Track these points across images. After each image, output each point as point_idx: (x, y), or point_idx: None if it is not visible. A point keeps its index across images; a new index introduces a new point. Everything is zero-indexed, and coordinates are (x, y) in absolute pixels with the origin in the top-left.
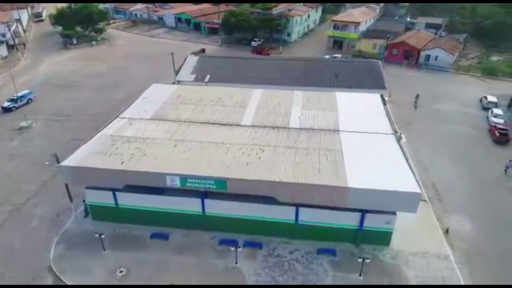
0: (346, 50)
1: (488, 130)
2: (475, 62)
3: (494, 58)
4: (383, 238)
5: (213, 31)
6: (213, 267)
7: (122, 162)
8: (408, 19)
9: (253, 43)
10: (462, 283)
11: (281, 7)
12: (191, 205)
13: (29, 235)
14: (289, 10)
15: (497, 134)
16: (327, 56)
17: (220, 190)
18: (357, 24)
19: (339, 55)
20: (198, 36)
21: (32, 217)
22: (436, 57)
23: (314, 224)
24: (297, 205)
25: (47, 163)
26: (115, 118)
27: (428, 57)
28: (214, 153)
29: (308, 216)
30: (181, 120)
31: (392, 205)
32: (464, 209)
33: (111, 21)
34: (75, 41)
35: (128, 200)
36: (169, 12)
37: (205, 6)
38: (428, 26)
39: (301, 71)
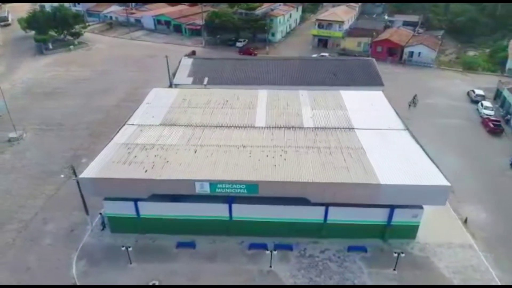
0: (331, 49)
1: (480, 122)
2: (454, 58)
3: (471, 53)
4: (410, 231)
5: (195, 33)
6: (248, 273)
7: (146, 171)
8: (386, 17)
9: (238, 44)
10: (491, 271)
11: (263, 7)
12: (217, 211)
13: (44, 253)
14: (272, 10)
15: (491, 125)
16: (314, 55)
17: (250, 194)
18: (341, 22)
19: (327, 54)
20: (180, 38)
21: (43, 234)
22: (419, 53)
23: (343, 223)
24: (327, 205)
25: (62, 176)
26: (123, 125)
27: (411, 53)
28: (238, 157)
29: (337, 215)
30: (193, 125)
31: (422, 199)
32: (477, 199)
33: (86, 24)
34: (50, 46)
35: (151, 210)
36: (147, 14)
37: (183, 7)
38: (405, 24)
39: (298, 71)
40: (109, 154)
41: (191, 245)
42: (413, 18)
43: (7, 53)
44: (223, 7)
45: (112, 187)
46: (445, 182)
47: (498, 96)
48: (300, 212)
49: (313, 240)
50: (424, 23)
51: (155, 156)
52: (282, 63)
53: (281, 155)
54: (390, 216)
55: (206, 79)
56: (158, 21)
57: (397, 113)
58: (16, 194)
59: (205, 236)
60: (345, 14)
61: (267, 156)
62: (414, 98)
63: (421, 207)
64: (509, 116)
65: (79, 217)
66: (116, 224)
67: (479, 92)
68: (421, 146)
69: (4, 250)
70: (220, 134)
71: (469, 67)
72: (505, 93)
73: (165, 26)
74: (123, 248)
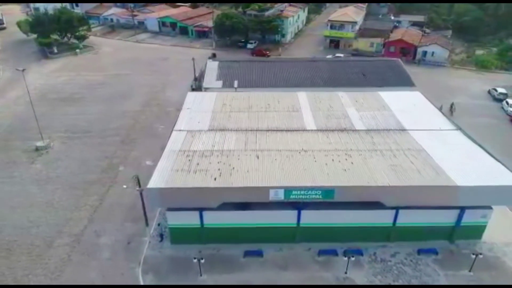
0: (343, 49)
1: (509, 120)
2: (465, 57)
3: (479, 52)
4: (477, 232)
5: (202, 35)
6: (324, 280)
7: (215, 179)
8: (392, 17)
9: (249, 45)
10: None
11: (272, 8)
12: (285, 218)
13: (105, 268)
14: (281, 11)
15: None
16: (329, 56)
17: (326, 199)
18: (354, 23)
19: (342, 55)
20: (187, 40)
21: (99, 247)
22: (433, 53)
23: (412, 225)
24: (397, 208)
25: (124, 186)
26: (172, 132)
27: (425, 53)
28: (303, 162)
29: (406, 218)
30: (243, 129)
31: (495, 199)
32: None
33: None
34: (55, 50)
35: (216, 219)
36: (151, 16)
37: (186, 9)
38: (412, 24)
39: (326, 72)
40: (169, 162)
41: (259, 253)
42: (419, 18)
43: (9, 57)
44: (225, 8)
45: (180, 197)
46: None
47: None
48: (370, 216)
49: (381, 244)
50: (429, 23)
51: (219, 163)
52: (308, 64)
53: (346, 159)
54: (460, 217)
55: (236, 82)
56: (163, 23)
57: (442, 113)
58: (59, 206)
59: (270, 244)
60: (356, 15)
61: (333, 160)
62: (451, 106)
63: (490, 207)
64: None
65: (132, 229)
66: (178, 235)
67: (501, 90)
68: (480, 145)
69: (61, 267)
70: (274, 138)
71: (482, 65)
72: None
73: (170, 28)
74: (195, 260)
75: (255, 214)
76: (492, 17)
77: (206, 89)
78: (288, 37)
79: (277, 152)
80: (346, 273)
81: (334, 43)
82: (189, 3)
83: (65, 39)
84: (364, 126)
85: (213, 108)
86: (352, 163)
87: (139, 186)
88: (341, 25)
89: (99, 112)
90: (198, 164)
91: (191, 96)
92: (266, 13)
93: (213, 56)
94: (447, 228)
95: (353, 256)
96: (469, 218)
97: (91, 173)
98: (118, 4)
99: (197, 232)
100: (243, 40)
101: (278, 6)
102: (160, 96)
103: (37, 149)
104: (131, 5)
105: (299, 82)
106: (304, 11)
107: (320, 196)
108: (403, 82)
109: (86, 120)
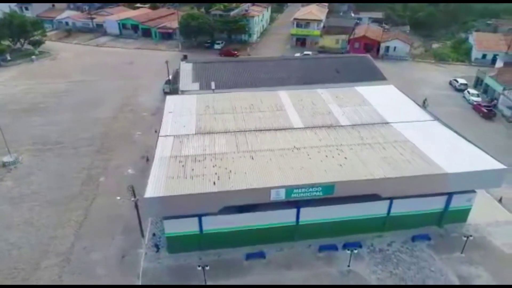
0: (310, 47)
1: (472, 108)
2: (424, 51)
3: (435, 45)
4: (463, 215)
5: (166, 36)
6: (329, 275)
7: (214, 183)
8: (352, 14)
9: (216, 46)
10: None
11: (236, 8)
12: (285, 217)
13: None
14: (246, 10)
15: (485, 110)
16: (297, 54)
17: (325, 196)
18: (319, 21)
19: (310, 52)
20: (152, 43)
21: (92, 265)
22: (395, 47)
23: (405, 214)
24: (391, 198)
25: (118, 198)
26: (158, 138)
27: (387, 48)
28: (299, 160)
29: (400, 207)
30: (231, 131)
31: (480, 183)
32: None
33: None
34: (8, 57)
35: (216, 224)
36: (111, 19)
37: (147, 10)
38: (371, 20)
39: (301, 70)
40: (162, 170)
41: (262, 255)
42: (377, 15)
43: None
44: (186, 9)
45: (180, 204)
46: (501, 166)
47: (479, 83)
48: (366, 208)
49: (377, 235)
50: (387, 20)
51: (214, 166)
52: (282, 63)
53: (339, 154)
54: (448, 203)
55: (213, 84)
56: (123, 26)
57: (418, 104)
58: (39, 224)
59: (270, 244)
60: (321, 13)
61: (326, 156)
62: (424, 102)
63: (474, 191)
64: (495, 101)
65: (124, 241)
66: (175, 244)
67: (462, 81)
68: (458, 133)
69: None
70: (264, 138)
71: (440, 58)
72: (488, 80)
73: (131, 30)
74: (199, 268)
75: (255, 216)
76: (443, 13)
77: (183, 91)
78: (255, 36)
79: (270, 151)
80: (348, 266)
81: (301, 41)
82: (149, 4)
83: (18, 45)
84: (349, 122)
85: (196, 111)
86: (345, 158)
87: (134, 196)
88: (307, 23)
89: (69, 121)
90: (193, 169)
91: (171, 99)
92: (232, 13)
93: (185, 57)
94: (436, 214)
95: (355, 249)
96: (456, 203)
97: (70, 186)
98: (72, 6)
99: (195, 239)
100: (209, 41)
101: (243, 6)
102: (132, 101)
103: (4, 164)
104: (86, 7)
105: (277, 81)
106: (267, 10)
107: (321, 193)
108: (375, 76)
109: (55, 130)
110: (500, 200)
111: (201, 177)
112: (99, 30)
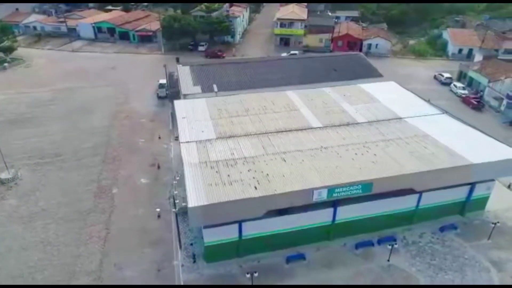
0: (294, 47)
1: (461, 101)
2: (402, 47)
3: (411, 42)
4: (483, 203)
5: (145, 39)
6: (371, 272)
7: (255, 188)
8: (330, 13)
9: (200, 48)
10: None
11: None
12: (322, 217)
13: None
14: (227, 11)
15: (474, 102)
16: (284, 54)
17: (365, 193)
18: (303, 20)
19: (296, 52)
20: (131, 46)
21: (128, 281)
22: (377, 45)
23: (432, 206)
24: (420, 192)
25: (158, 209)
26: (180, 145)
27: (369, 45)
28: (330, 159)
29: (428, 200)
30: (253, 133)
31: (501, 172)
32: None
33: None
34: None
35: (256, 229)
36: (85, 22)
37: (120, 13)
38: (348, 18)
39: (299, 69)
40: (197, 177)
41: (302, 256)
42: (354, 13)
43: None
44: (159, 10)
45: (224, 211)
46: None
47: (462, 77)
48: (398, 202)
49: (406, 228)
50: (362, 18)
51: (249, 171)
52: (279, 63)
53: (368, 152)
54: (471, 192)
55: (215, 86)
56: (98, 29)
57: (423, 98)
58: (59, 243)
59: (306, 245)
60: (303, 13)
61: (356, 154)
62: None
63: (493, 180)
64: (481, 93)
65: (155, 254)
66: (214, 253)
67: (447, 75)
68: (469, 125)
69: None
70: (288, 139)
71: (419, 54)
72: (472, 74)
73: (107, 34)
74: (248, 275)
75: (295, 218)
76: (414, 11)
77: (186, 95)
78: (237, 37)
79: (299, 152)
80: (388, 260)
81: (285, 41)
82: (121, 6)
83: None
84: (364, 119)
85: (210, 115)
86: (375, 154)
87: (175, 207)
88: (291, 23)
89: (63, 131)
90: (229, 175)
91: (180, 104)
92: (214, 14)
93: (177, 60)
94: (459, 203)
95: (395, 244)
96: (477, 192)
97: (82, 200)
98: (37, 9)
99: (234, 245)
100: (192, 43)
101: (225, 6)
102: (126, 108)
103: (2, 182)
104: (53, 11)
105: (279, 81)
106: (246, 10)
107: (360, 191)
108: (372, 73)
109: (49, 142)
110: (509, 187)
111: (240, 182)
112: (71, 34)
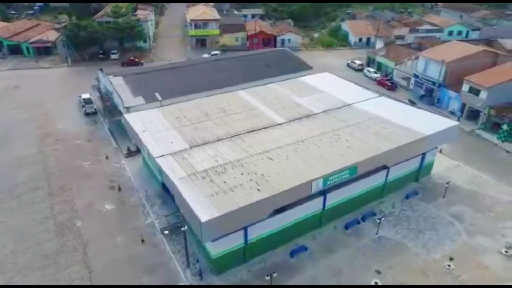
0: (211, 47)
1: (376, 84)
2: (310, 40)
3: (316, 35)
4: (430, 168)
5: (43, 51)
6: (367, 247)
7: (258, 190)
8: (236, 12)
9: (113, 56)
10: (475, 171)
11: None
12: (314, 206)
13: None
14: (135, 15)
15: (389, 84)
16: (205, 55)
17: (351, 177)
18: (217, 21)
19: (218, 52)
20: (27, 60)
21: None
22: (289, 39)
23: (396, 178)
24: (387, 167)
25: (166, 232)
26: (156, 160)
27: (283, 41)
28: (312, 151)
29: (393, 173)
30: (225, 137)
31: (445, 139)
32: None
33: None
34: None
35: (259, 230)
36: None
37: (4, 23)
38: (256, 17)
39: (236, 69)
40: (193, 190)
41: (304, 248)
42: (258, 11)
43: None
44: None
45: (236, 219)
46: (456, 122)
47: (371, 62)
48: (373, 179)
49: (379, 201)
50: (266, 15)
51: (241, 174)
52: (213, 64)
53: (339, 138)
54: (422, 160)
55: (158, 95)
56: None
57: (358, 84)
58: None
59: (302, 236)
60: (214, 13)
61: (331, 142)
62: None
63: (436, 147)
64: (390, 75)
65: (155, 281)
66: (223, 264)
67: (359, 62)
68: (406, 103)
69: None
70: (262, 138)
71: (327, 45)
72: (380, 59)
73: None
74: (267, 277)
75: (293, 212)
76: (311, 5)
77: (128, 108)
78: (150, 41)
79: (281, 149)
80: (377, 233)
81: (201, 42)
82: None
83: None
84: (319, 109)
85: (171, 125)
86: (347, 140)
87: (186, 223)
88: (205, 24)
89: None
90: (225, 182)
91: (133, 117)
92: (121, 19)
93: (101, 71)
94: (415, 172)
95: (383, 217)
96: (427, 159)
97: (42, 243)
98: None
99: (241, 251)
100: (101, 51)
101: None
102: (52, 131)
103: None
104: None
105: (222, 83)
106: (152, 13)
107: (348, 175)
108: (302, 67)
109: None
110: (440, 151)
111: (240, 187)
112: None
